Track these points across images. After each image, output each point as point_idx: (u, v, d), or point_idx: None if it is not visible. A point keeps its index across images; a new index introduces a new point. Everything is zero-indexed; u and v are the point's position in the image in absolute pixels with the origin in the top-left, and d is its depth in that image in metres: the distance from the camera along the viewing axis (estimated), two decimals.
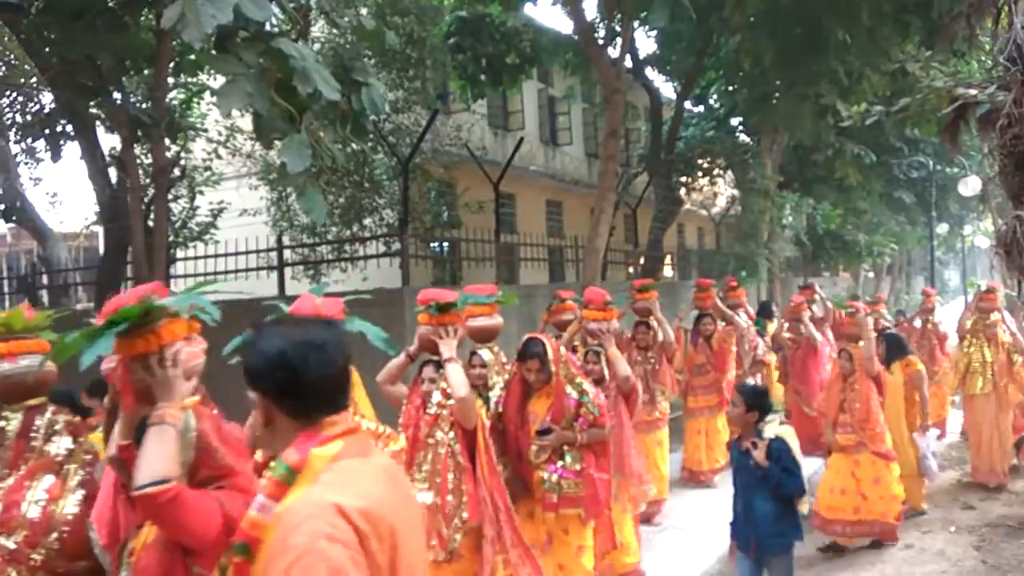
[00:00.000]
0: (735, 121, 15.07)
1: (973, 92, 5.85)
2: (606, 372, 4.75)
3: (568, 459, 3.97)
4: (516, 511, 3.71)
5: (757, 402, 4.06)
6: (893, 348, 6.35)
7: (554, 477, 3.94)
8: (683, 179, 14.19)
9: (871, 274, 25.45)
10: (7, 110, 11.50)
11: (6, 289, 12.98)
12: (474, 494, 3.51)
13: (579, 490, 3.96)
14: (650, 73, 14.23)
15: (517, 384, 4.02)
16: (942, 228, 24.93)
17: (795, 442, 3.92)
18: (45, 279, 10.99)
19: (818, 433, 6.71)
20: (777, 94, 12.01)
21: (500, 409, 4.04)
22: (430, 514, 3.46)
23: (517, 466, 4.01)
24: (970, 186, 16.51)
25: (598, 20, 11.47)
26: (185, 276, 9.69)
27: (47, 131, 8.95)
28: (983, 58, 8.23)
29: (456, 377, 3.50)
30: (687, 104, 14.47)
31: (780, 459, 3.84)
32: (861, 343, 5.80)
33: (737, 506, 4.15)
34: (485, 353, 4.07)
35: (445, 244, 11.76)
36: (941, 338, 9.07)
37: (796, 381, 8.39)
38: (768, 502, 3.92)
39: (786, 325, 8.69)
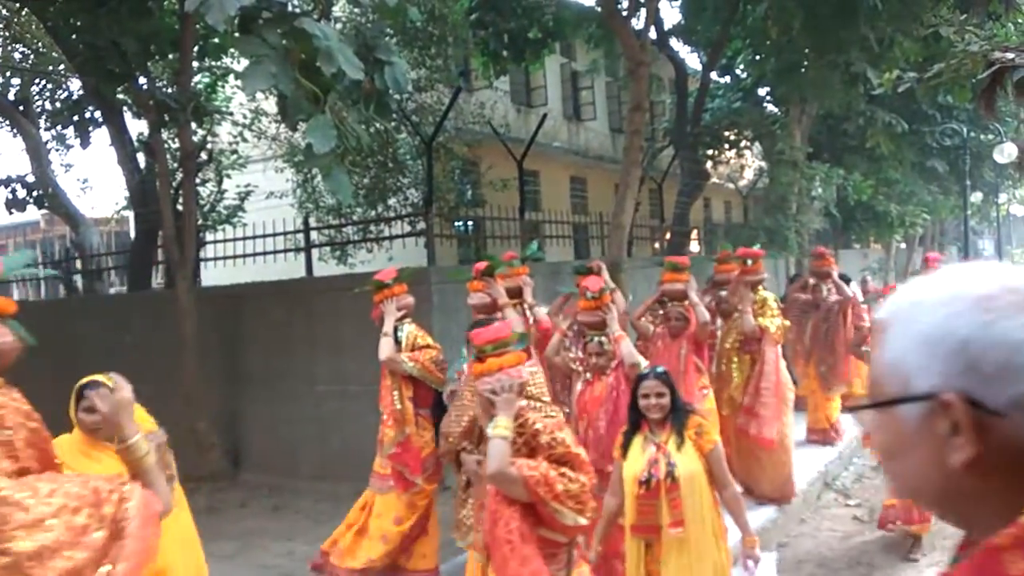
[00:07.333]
0: (763, 91, 14.76)
1: (1010, 55, 5.65)
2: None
3: None
4: None
5: None
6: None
7: None
8: (709, 152, 13.98)
9: (903, 245, 24.98)
10: (36, 98, 11.68)
11: (41, 274, 13.24)
12: None
13: None
14: (675, 44, 13.98)
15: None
16: (976, 197, 24.34)
17: None
18: (78, 264, 11.19)
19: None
20: (806, 62, 11.73)
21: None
22: None
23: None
24: (1006, 153, 16.13)
25: None
26: (215, 259, 9.81)
27: (76, 118, 9.08)
28: (1020, 20, 7.95)
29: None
30: (713, 75, 14.20)
31: None
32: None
33: None
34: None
35: (470, 223, 11.75)
36: None
37: None
38: None
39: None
